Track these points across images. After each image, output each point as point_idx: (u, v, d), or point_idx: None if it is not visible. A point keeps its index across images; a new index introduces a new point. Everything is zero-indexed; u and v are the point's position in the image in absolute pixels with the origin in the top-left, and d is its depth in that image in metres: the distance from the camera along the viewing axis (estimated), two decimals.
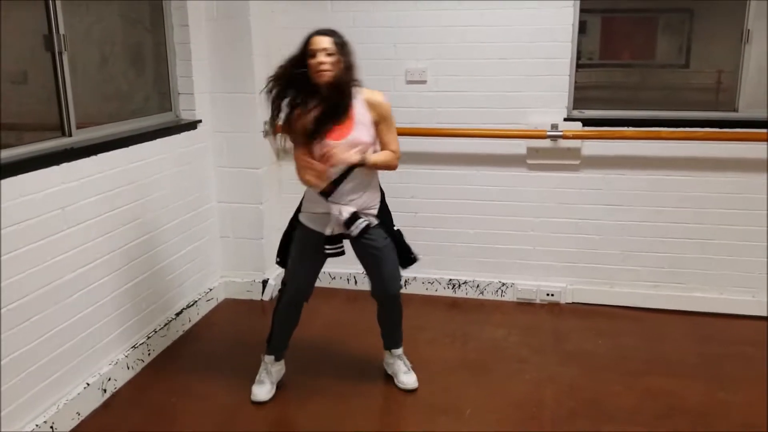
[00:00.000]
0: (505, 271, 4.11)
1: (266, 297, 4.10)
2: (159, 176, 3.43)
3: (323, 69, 2.57)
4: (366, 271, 2.99)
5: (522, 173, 3.95)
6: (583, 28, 4.01)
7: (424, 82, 3.91)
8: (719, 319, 3.83)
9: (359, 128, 2.70)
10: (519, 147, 3.89)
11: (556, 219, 3.97)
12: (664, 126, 3.69)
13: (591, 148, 3.82)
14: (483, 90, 3.86)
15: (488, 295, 4.14)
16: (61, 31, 2.78)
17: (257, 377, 3.03)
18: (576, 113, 3.85)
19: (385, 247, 2.89)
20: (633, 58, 4.22)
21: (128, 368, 3.17)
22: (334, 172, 2.70)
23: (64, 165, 2.72)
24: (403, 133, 3.82)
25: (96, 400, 2.94)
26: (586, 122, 3.80)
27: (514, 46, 3.77)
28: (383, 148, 2.81)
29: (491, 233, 4.06)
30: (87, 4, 3.13)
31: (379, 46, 3.90)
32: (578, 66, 3.82)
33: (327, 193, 2.75)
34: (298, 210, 2.92)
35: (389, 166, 2.83)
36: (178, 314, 3.62)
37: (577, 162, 3.85)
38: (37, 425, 2.60)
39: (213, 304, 4.01)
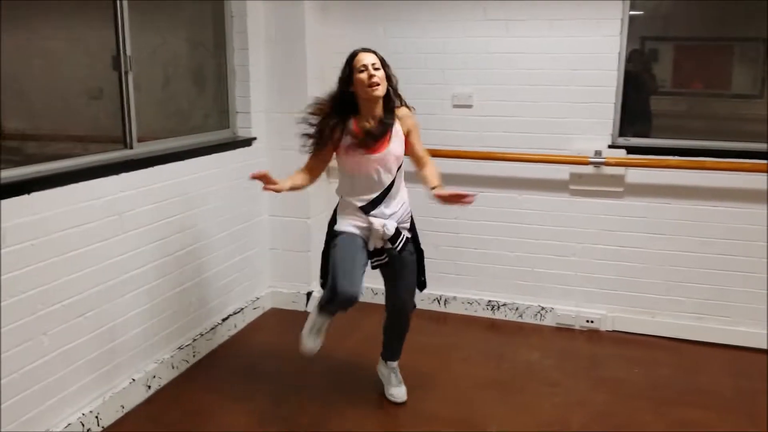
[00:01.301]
0: (545, 296, 4.13)
1: (310, 308, 4.24)
2: (213, 189, 3.66)
3: (375, 83, 2.67)
4: (386, 282, 3.04)
5: (565, 198, 3.98)
6: (655, 56, 4.02)
7: (470, 106, 4.02)
8: (761, 355, 3.72)
9: (395, 141, 2.81)
10: (562, 172, 3.93)
11: (598, 245, 3.97)
12: (710, 156, 3.66)
13: (635, 175, 3.82)
14: (528, 115, 3.93)
15: (527, 319, 4.17)
16: (128, 52, 3.05)
17: (307, 329, 2.88)
18: (621, 141, 3.86)
19: (412, 263, 2.97)
20: (706, 87, 4.12)
21: (173, 368, 3.37)
22: (370, 189, 2.81)
23: (123, 175, 2.97)
24: (448, 155, 4.00)
25: (140, 396, 3.15)
26: (631, 150, 3.80)
27: (560, 73, 3.83)
28: (418, 156, 2.93)
29: (532, 257, 4.10)
30: (154, 27, 3.40)
31: (427, 71, 4.04)
32: (647, 94, 3.84)
33: (367, 208, 2.82)
34: (333, 223, 2.94)
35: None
36: (224, 320, 3.82)
37: (621, 189, 3.85)
38: (83, 414, 2.82)
39: (259, 312, 4.20)
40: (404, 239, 2.88)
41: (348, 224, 2.87)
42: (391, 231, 2.81)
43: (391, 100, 2.80)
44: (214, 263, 3.72)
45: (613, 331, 4.04)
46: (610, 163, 3.75)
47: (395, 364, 3.22)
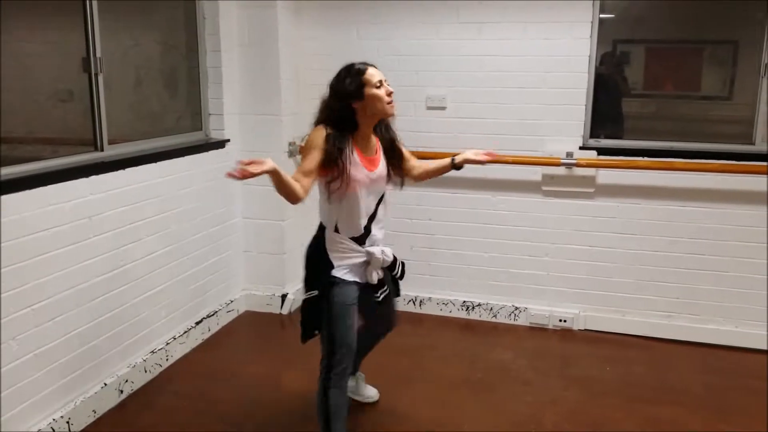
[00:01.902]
0: (518, 296, 4.16)
1: (284, 311, 4.25)
2: (187, 191, 3.64)
3: (389, 100, 2.50)
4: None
5: (537, 199, 4.02)
6: (626, 58, 4.08)
7: (443, 108, 4.05)
8: (731, 353, 3.80)
9: (383, 157, 2.64)
10: (534, 174, 3.97)
11: (570, 245, 4.02)
12: (680, 157, 3.72)
13: (606, 176, 3.88)
14: (501, 117, 3.97)
15: (501, 319, 4.20)
16: (98, 54, 3.02)
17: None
18: (592, 142, 3.91)
19: (397, 283, 2.85)
20: (677, 89, 4.20)
21: (146, 371, 3.35)
22: (362, 213, 2.55)
23: (93, 177, 2.94)
24: (422, 156, 3.96)
25: (112, 400, 3.12)
26: (602, 151, 3.86)
27: (532, 76, 3.87)
28: (408, 160, 2.81)
29: (506, 257, 4.14)
30: (125, 29, 3.38)
31: (402, 73, 4.05)
32: (619, 96, 3.90)
33: (361, 239, 2.57)
34: (326, 268, 2.54)
35: None
36: (198, 323, 3.80)
37: (592, 190, 3.90)
38: (54, 419, 2.78)
39: (233, 315, 4.18)
40: (402, 263, 2.73)
41: (346, 269, 2.55)
42: (390, 257, 2.62)
43: (390, 122, 2.67)
44: (187, 266, 3.69)
45: (586, 330, 4.09)
46: (581, 164, 3.80)
47: (358, 371, 3.16)
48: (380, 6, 4.03)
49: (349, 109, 2.47)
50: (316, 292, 2.54)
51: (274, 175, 2.29)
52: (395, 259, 2.67)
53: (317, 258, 2.57)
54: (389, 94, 2.49)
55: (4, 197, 2.50)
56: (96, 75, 3.04)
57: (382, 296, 2.66)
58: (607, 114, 3.98)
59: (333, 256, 2.55)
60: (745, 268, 3.77)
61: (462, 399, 3.27)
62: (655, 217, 3.86)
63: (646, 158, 3.77)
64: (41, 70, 2.95)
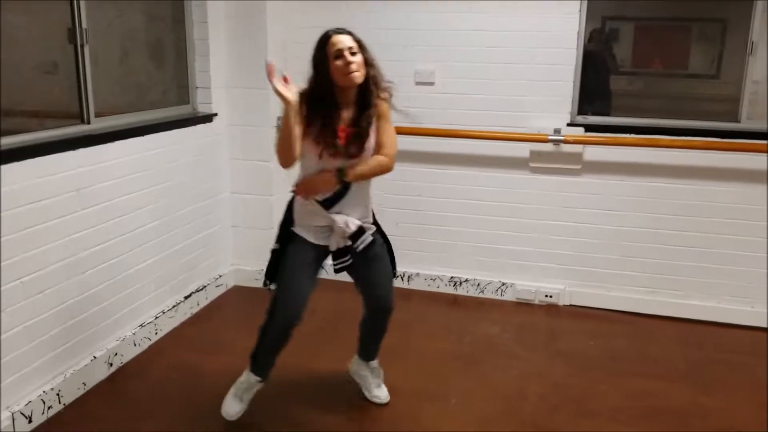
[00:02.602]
0: (505, 271, 4.21)
1: (273, 286, 4.25)
2: (174, 165, 3.62)
3: (354, 70, 2.40)
4: (361, 282, 2.79)
5: (524, 176, 4.04)
6: (615, 35, 4.09)
7: (432, 83, 4.04)
8: (714, 328, 3.87)
9: (372, 138, 2.56)
10: (522, 150, 3.99)
11: (556, 222, 4.06)
12: (666, 134, 3.76)
13: (592, 153, 3.91)
14: (489, 93, 3.97)
15: (488, 294, 4.25)
16: (84, 25, 2.98)
17: (233, 389, 2.83)
18: (580, 119, 3.93)
19: (384, 258, 2.77)
20: (665, 66, 4.21)
21: (135, 345, 3.36)
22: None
23: (81, 150, 2.92)
24: (410, 132, 4.01)
25: (102, 373, 3.13)
26: (589, 128, 3.88)
27: (521, 51, 3.87)
28: (377, 147, 2.58)
29: (493, 233, 4.17)
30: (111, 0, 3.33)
31: (390, 47, 4.02)
32: (607, 73, 3.89)
33: (327, 204, 2.58)
34: (288, 224, 2.66)
35: (379, 172, 2.60)
36: (187, 297, 3.81)
37: (579, 167, 3.93)
38: (44, 391, 2.79)
39: (222, 290, 4.19)
40: (368, 240, 2.65)
41: (305, 227, 2.62)
42: (353, 228, 2.58)
43: (370, 90, 2.50)
44: (176, 240, 3.69)
45: (571, 305, 4.15)
46: (568, 140, 3.83)
47: (376, 363, 3.04)
48: None
49: (326, 80, 2.44)
50: (278, 246, 2.66)
51: (287, 115, 2.34)
52: (362, 232, 2.61)
53: (285, 213, 2.67)
54: (347, 65, 2.39)
55: None
56: (82, 46, 3.00)
57: (338, 266, 2.65)
58: (596, 91, 4.01)
59: (297, 214, 2.63)
60: (728, 245, 3.83)
61: (449, 372, 3.32)
62: (641, 194, 3.90)
63: (632, 135, 3.80)
64: (26, 41, 2.90)
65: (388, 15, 4.02)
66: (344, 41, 2.44)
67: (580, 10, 3.76)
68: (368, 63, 2.50)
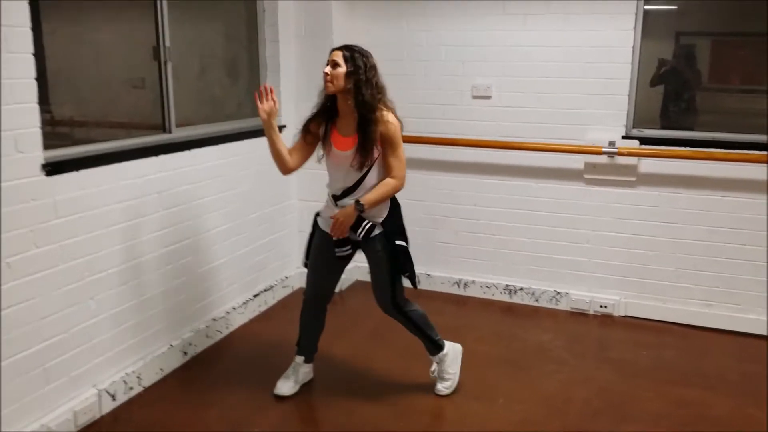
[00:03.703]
0: (560, 281, 4.29)
1: (336, 289, 4.48)
2: (246, 172, 3.92)
3: (326, 80, 2.76)
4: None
5: (579, 187, 4.14)
6: (691, 50, 4.11)
7: (489, 97, 4.20)
8: None
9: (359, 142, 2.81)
10: (577, 162, 4.09)
11: (611, 233, 4.12)
12: (721, 147, 3.78)
13: (648, 166, 3.96)
14: (544, 106, 4.10)
15: (543, 303, 4.34)
16: (167, 43, 3.32)
17: (285, 373, 3.22)
18: (635, 132, 4.00)
19: (380, 262, 2.97)
20: (743, 82, 4.18)
21: (207, 337, 3.65)
22: (339, 182, 2.91)
23: (162, 156, 3.24)
24: (467, 144, 4.21)
25: (177, 361, 3.44)
26: (645, 141, 3.94)
27: (575, 66, 3.98)
28: (387, 170, 2.86)
29: (548, 243, 4.27)
30: (192, 20, 3.67)
31: (448, 63, 4.23)
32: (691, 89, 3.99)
33: (336, 198, 2.93)
34: (318, 214, 3.10)
35: (389, 195, 2.89)
36: (256, 296, 4.09)
37: (634, 179, 3.99)
38: (126, 373, 3.11)
39: (288, 290, 4.46)
40: (366, 227, 2.89)
41: (323, 218, 3.02)
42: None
43: (358, 102, 2.76)
44: (246, 242, 3.99)
45: (626, 316, 4.19)
46: (622, 153, 3.90)
47: (434, 358, 3.21)
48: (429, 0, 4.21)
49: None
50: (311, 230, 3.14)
51: (267, 130, 2.89)
52: (360, 222, 2.87)
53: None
54: (325, 75, 2.76)
55: (84, 171, 2.81)
56: (165, 63, 3.34)
57: (338, 254, 2.97)
58: (676, 106, 4.10)
59: (323, 207, 3.07)
60: None
61: (498, 374, 3.45)
62: (696, 206, 3.92)
63: (687, 148, 3.83)
64: (115, 58, 3.26)
65: (447, 33, 4.21)
66: (333, 55, 2.77)
67: (635, 26, 3.84)
68: (357, 78, 2.73)
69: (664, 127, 4.05)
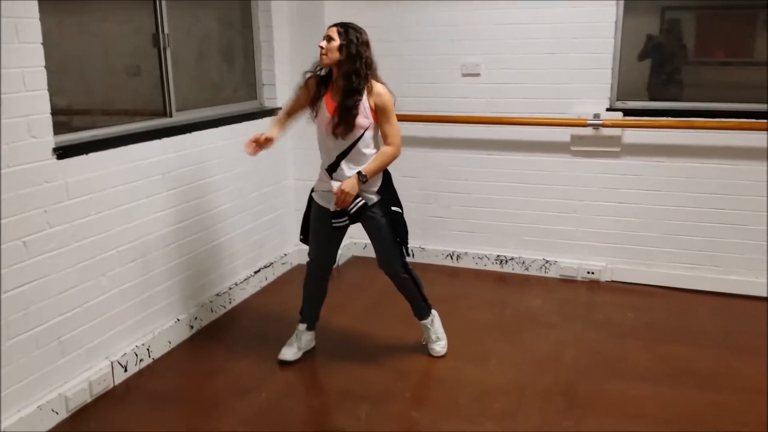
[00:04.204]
0: (549, 250, 4.46)
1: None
2: (244, 154, 4.02)
3: (320, 52, 2.95)
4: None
5: (567, 159, 4.29)
6: (677, 25, 4.23)
7: (478, 75, 4.34)
8: (753, 302, 4.02)
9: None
10: (564, 135, 4.24)
11: (598, 202, 4.28)
12: (701, 116, 3.93)
13: (631, 136, 4.12)
14: (532, 82, 4.24)
15: (533, 272, 4.51)
16: (166, 30, 3.45)
17: (288, 340, 3.40)
18: (619, 104, 4.15)
19: (380, 227, 3.13)
20: (728, 56, 4.25)
21: (212, 311, 3.82)
22: (330, 152, 3.06)
23: (165, 139, 3.39)
24: (458, 121, 4.36)
25: (184, 334, 3.60)
26: (628, 113, 4.09)
27: (560, 42, 4.13)
28: (383, 138, 3.06)
29: (537, 214, 4.43)
30: (189, 7, 3.79)
31: (438, 42, 4.37)
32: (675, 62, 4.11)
33: (329, 169, 3.08)
34: (313, 190, 3.26)
35: (388, 163, 3.06)
36: (256, 272, 4.25)
37: (618, 149, 4.15)
38: (137, 345, 3.27)
39: (287, 267, 4.62)
40: (359, 203, 3.05)
41: (318, 192, 3.19)
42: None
43: (347, 73, 2.93)
44: (246, 221, 4.14)
45: (612, 281, 4.36)
46: (606, 124, 4.05)
47: (424, 322, 3.39)
48: None
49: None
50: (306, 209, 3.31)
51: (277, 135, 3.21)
52: (356, 200, 3.03)
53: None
54: (320, 47, 2.96)
55: (92, 155, 2.95)
56: (164, 49, 3.47)
57: (335, 224, 3.11)
58: (663, 80, 4.25)
59: (316, 181, 3.22)
60: (764, 221, 3.97)
61: (491, 339, 3.62)
62: (679, 174, 4.08)
63: (668, 118, 3.98)
64: (116, 47, 3.38)
65: (436, 13, 4.34)
66: (329, 30, 2.98)
67: (617, 2, 3.97)
68: (348, 52, 2.92)
69: (651, 100, 4.20)
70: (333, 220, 3.12)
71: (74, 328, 2.93)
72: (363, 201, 3.08)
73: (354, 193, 3.01)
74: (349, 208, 3.06)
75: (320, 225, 3.23)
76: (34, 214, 2.69)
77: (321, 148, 3.16)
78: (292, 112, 3.28)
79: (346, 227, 3.19)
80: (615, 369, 3.28)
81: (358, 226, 3.22)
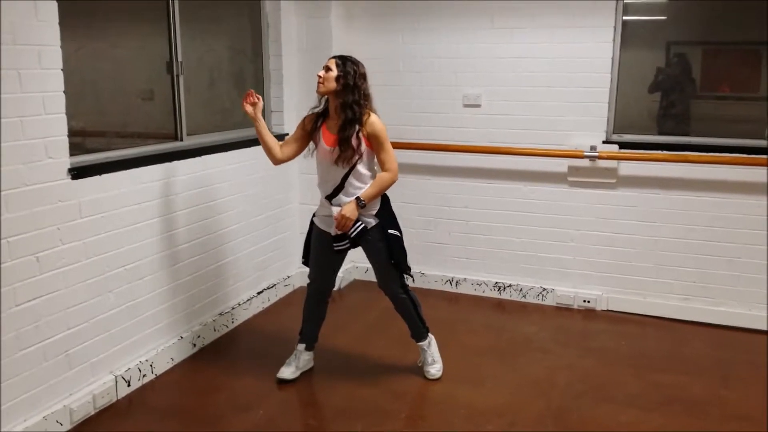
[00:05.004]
0: (546, 278, 4.55)
1: (335, 286, 4.73)
2: (252, 177, 4.19)
3: (318, 81, 3.09)
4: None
5: (563, 189, 4.41)
6: (685, 59, 4.33)
7: (478, 105, 4.48)
8: (744, 334, 4.09)
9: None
10: (561, 165, 4.36)
11: (594, 232, 4.39)
12: (696, 150, 4.04)
13: (627, 168, 4.23)
14: (531, 114, 4.37)
15: (530, 299, 4.60)
16: (179, 58, 3.60)
17: (287, 360, 3.49)
18: (615, 137, 4.27)
19: (380, 249, 3.25)
20: (734, 90, 4.36)
21: (214, 330, 3.92)
22: (329, 181, 3.18)
23: (175, 162, 3.52)
24: (459, 150, 4.49)
25: (187, 351, 3.70)
26: (624, 145, 4.21)
27: (559, 76, 4.27)
28: (380, 165, 3.19)
29: (535, 242, 4.54)
30: (201, 35, 3.95)
31: (441, 73, 4.52)
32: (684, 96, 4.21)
33: (329, 197, 3.21)
34: (314, 215, 3.38)
35: (385, 188, 3.19)
36: (259, 293, 4.36)
37: (614, 181, 4.26)
38: (140, 362, 3.37)
39: (290, 289, 4.73)
40: (359, 228, 3.18)
41: (319, 217, 3.32)
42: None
43: (344, 104, 3.06)
44: (251, 242, 4.25)
45: (608, 310, 4.44)
46: (602, 156, 4.17)
47: (421, 344, 3.48)
48: (422, 14, 4.50)
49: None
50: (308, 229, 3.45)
51: (254, 123, 3.25)
52: (356, 224, 3.16)
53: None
54: (318, 77, 3.09)
55: (105, 175, 3.09)
56: (177, 76, 3.62)
57: (336, 248, 3.24)
58: (672, 113, 4.37)
59: (318, 207, 3.36)
60: (756, 254, 4.06)
61: (486, 362, 3.70)
62: (674, 206, 4.18)
63: (663, 151, 4.10)
64: (131, 72, 3.53)
65: (439, 46, 4.50)
66: (328, 62, 3.12)
67: (614, 39, 4.12)
68: (345, 83, 3.05)
69: (661, 133, 4.31)
70: (334, 244, 3.23)
71: (81, 342, 3.04)
72: (363, 225, 3.20)
73: (354, 217, 3.13)
74: (350, 232, 3.18)
75: (320, 249, 3.34)
76: (49, 231, 2.82)
77: (321, 178, 3.27)
78: (285, 147, 3.34)
79: (346, 251, 3.30)
80: (606, 395, 3.35)
81: (359, 249, 3.33)
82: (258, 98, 3.25)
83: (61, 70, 2.78)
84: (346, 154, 3.09)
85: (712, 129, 4.23)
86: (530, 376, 3.55)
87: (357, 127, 3.10)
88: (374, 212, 3.24)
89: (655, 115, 4.40)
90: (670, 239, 4.23)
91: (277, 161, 3.33)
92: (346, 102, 3.08)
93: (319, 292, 3.47)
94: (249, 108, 3.23)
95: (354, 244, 3.26)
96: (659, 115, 4.40)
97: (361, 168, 3.17)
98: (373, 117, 3.14)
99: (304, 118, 3.31)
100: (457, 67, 4.49)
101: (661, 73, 4.34)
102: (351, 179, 3.17)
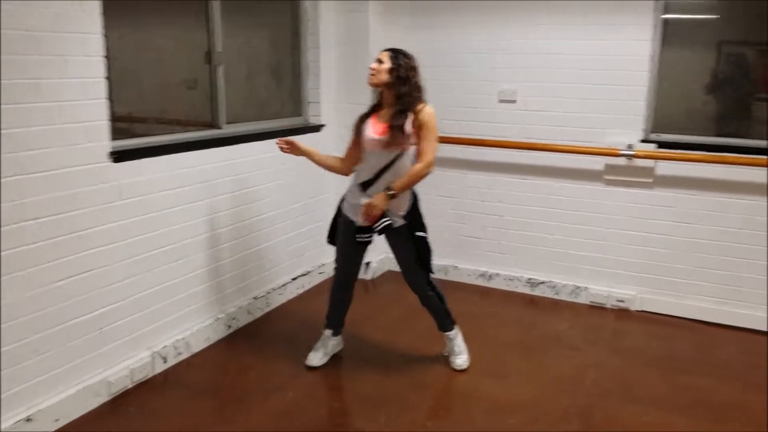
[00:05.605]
0: (580, 276, 4.53)
1: (368, 276, 4.83)
2: (287, 166, 4.27)
3: (370, 72, 3.14)
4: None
5: (599, 187, 4.37)
6: (744, 59, 4.21)
7: (514, 101, 4.48)
8: None
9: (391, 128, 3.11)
10: (597, 163, 4.32)
11: (629, 231, 4.34)
12: (734, 152, 3.96)
13: (664, 168, 4.17)
14: (567, 110, 4.35)
15: (563, 296, 4.58)
16: (218, 49, 3.70)
17: (314, 345, 3.57)
18: (653, 136, 4.21)
19: (407, 249, 3.30)
20: None
21: (248, 313, 4.03)
22: (371, 168, 3.19)
23: (213, 149, 3.63)
24: (494, 145, 4.49)
25: (222, 332, 3.82)
26: (662, 145, 4.16)
27: (596, 73, 4.23)
28: (417, 155, 3.17)
29: (569, 240, 4.51)
30: (241, 28, 4.05)
31: (477, 69, 4.53)
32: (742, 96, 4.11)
33: (364, 185, 3.22)
34: (343, 199, 3.40)
35: (418, 179, 3.16)
36: (294, 279, 4.46)
37: (651, 180, 4.21)
38: (177, 339, 3.50)
39: (324, 276, 4.81)
40: (385, 224, 3.18)
41: (348, 203, 3.34)
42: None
43: (397, 96, 3.11)
44: (287, 230, 4.35)
45: (642, 311, 4.39)
46: (638, 155, 4.12)
47: (449, 335, 3.55)
48: (459, 11, 4.52)
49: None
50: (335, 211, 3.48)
51: (308, 158, 3.43)
52: (381, 216, 3.16)
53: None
54: (370, 68, 3.15)
55: (145, 160, 3.21)
56: (216, 67, 3.73)
57: (359, 239, 3.27)
58: (731, 113, 4.29)
59: (347, 192, 3.37)
60: None
61: (513, 357, 3.72)
62: (711, 208, 4.11)
63: (702, 152, 4.03)
64: (172, 62, 3.65)
65: (476, 41, 4.51)
66: (380, 54, 3.17)
67: (652, 37, 4.06)
68: (397, 75, 3.10)
69: (718, 135, 4.17)
70: (357, 236, 3.27)
71: (119, 319, 3.18)
72: (390, 222, 3.21)
73: (382, 207, 3.14)
74: (375, 226, 3.20)
75: (345, 237, 3.38)
76: (90, 211, 2.95)
77: (365, 162, 3.26)
78: (346, 158, 3.39)
79: (368, 243, 3.34)
80: (632, 395, 3.33)
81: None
82: (287, 142, 3.40)
83: (104, 57, 2.90)
84: (396, 140, 3.10)
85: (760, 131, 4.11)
86: (557, 372, 3.55)
87: (409, 116, 3.11)
88: (403, 212, 3.25)
89: (707, 116, 4.29)
90: (705, 241, 4.16)
91: (345, 173, 3.42)
92: (398, 93, 3.11)
93: (345, 278, 3.52)
94: (290, 153, 3.40)
95: (381, 231, 3.27)
96: (715, 116, 4.28)
97: (403, 161, 3.17)
98: (427, 107, 3.16)
99: (354, 123, 3.32)
100: (492, 62, 4.49)
101: (720, 73, 4.24)
102: (393, 169, 3.16)
